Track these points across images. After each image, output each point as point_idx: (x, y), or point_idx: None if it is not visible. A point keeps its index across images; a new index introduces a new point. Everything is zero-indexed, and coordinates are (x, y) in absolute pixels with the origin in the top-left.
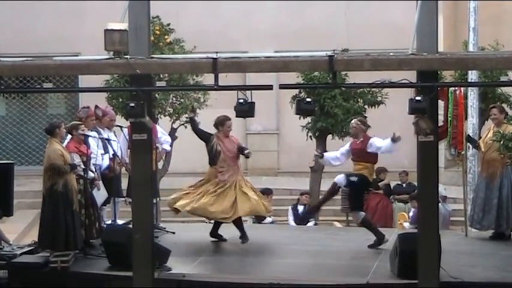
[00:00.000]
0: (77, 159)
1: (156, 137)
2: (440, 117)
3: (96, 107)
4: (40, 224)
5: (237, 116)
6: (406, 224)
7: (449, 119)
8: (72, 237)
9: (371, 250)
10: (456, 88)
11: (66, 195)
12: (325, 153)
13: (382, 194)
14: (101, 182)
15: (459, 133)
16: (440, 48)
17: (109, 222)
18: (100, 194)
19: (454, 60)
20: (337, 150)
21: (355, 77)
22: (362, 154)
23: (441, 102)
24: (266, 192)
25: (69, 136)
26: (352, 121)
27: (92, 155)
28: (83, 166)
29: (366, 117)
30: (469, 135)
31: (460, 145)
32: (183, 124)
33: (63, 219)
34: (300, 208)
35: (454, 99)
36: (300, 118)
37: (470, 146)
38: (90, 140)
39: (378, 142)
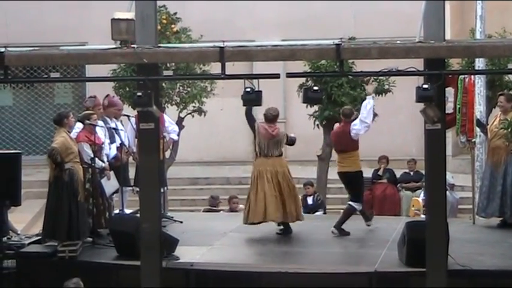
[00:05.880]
0: (87, 150)
1: (163, 126)
2: (451, 105)
3: (108, 96)
4: (45, 213)
5: (244, 105)
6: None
7: (457, 106)
8: (75, 227)
9: (379, 238)
10: (466, 75)
11: (72, 185)
12: None
13: (386, 182)
14: (112, 173)
15: (469, 120)
16: (447, 36)
17: (117, 211)
18: (110, 184)
19: (462, 48)
20: None
21: (362, 65)
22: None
23: (451, 90)
24: None
25: (78, 125)
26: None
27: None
28: (91, 155)
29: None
30: (478, 119)
31: (471, 133)
32: (190, 113)
33: (66, 209)
34: (309, 199)
35: (463, 87)
36: (307, 107)
37: (479, 130)
38: (97, 129)
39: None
